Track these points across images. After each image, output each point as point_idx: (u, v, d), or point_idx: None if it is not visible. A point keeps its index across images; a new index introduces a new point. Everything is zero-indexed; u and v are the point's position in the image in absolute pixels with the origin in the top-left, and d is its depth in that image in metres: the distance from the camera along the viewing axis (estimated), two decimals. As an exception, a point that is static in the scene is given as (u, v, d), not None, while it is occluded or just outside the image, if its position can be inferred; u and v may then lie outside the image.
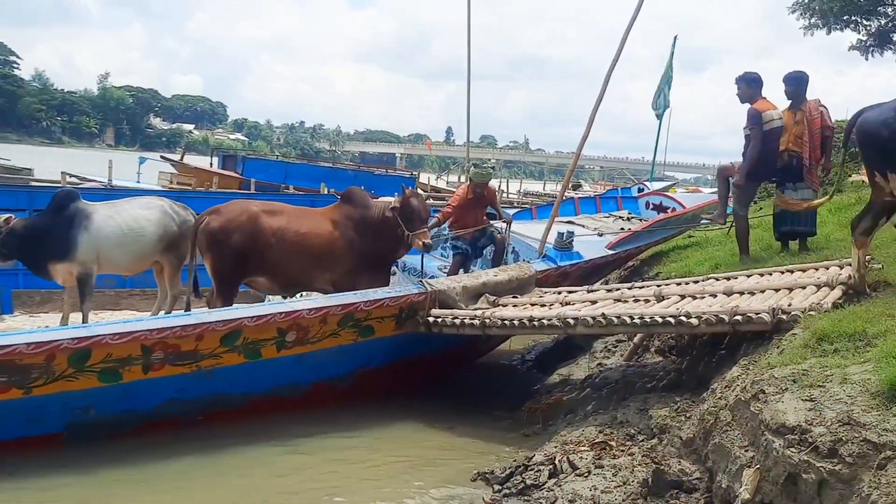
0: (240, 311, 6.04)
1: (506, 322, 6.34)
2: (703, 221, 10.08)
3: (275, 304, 6.44)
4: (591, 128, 8.20)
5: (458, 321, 6.49)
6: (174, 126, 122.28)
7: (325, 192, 17.23)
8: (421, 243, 7.38)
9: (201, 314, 5.96)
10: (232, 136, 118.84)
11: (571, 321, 5.97)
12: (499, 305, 6.84)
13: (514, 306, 6.86)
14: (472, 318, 6.44)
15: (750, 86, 7.47)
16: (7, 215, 7.30)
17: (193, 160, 28.73)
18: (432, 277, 7.53)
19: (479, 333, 6.53)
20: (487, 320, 6.37)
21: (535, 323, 6.20)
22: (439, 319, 6.57)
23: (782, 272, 6.35)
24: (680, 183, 40.01)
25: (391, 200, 7.66)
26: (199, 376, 5.86)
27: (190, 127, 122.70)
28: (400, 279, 8.68)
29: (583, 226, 9.23)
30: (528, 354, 9.24)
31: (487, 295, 6.93)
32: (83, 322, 7.41)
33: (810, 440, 3.26)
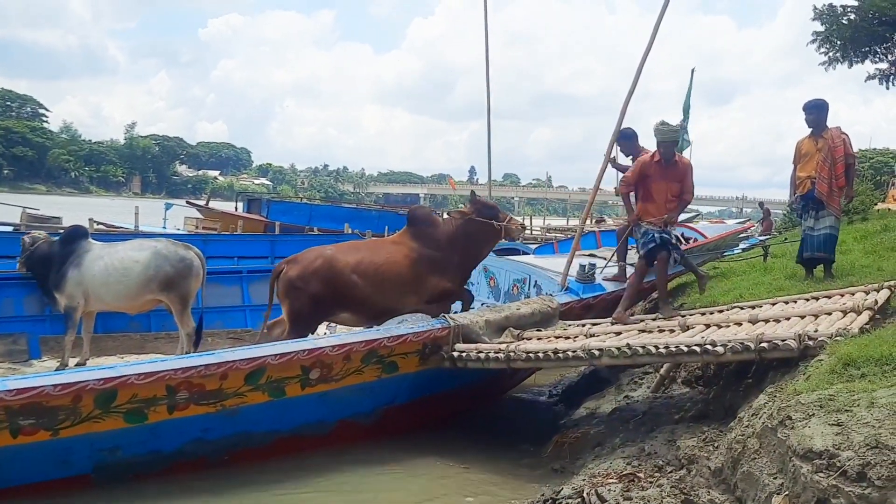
0: (263, 349, 6.06)
1: (530, 355, 6.31)
2: (735, 251, 10.08)
3: (298, 342, 6.46)
4: (608, 162, 8.24)
5: (482, 355, 6.46)
6: (199, 173, 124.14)
7: (349, 232, 17.36)
8: (515, 226, 7.65)
9: (225, 353, 5.99)
10: (256, 181, 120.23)
11: (596, 352, 5.94)
12: (523, 339, 6.82)
13: (538, 339, 6.83)
14: (497, 352, 6.41)
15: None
16: (39, 233, 7.75)
17: (218, 205, 29.07)
18: (454, 313, 7.53)
19: (504, 367, 6.49)
20: (512, 353, 6.34)
21: (560, 355, 6.16)
22: (463, 354, 6.55)
23: (807, 299, 6.32)
24: (703, 215, 39.84)
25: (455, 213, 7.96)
26: (224, 415, 5.87)
27: (215, 173, 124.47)
28: (423, 315, 8.69)
29: (604, 258, 9.20)
30: (555, 389, 9.18)
31: (511, 329, 6.91)
32: (62, 354, 7.88)
33: (838, 464, 3.21)
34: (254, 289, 10.26)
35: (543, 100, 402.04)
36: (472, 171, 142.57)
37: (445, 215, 8.12)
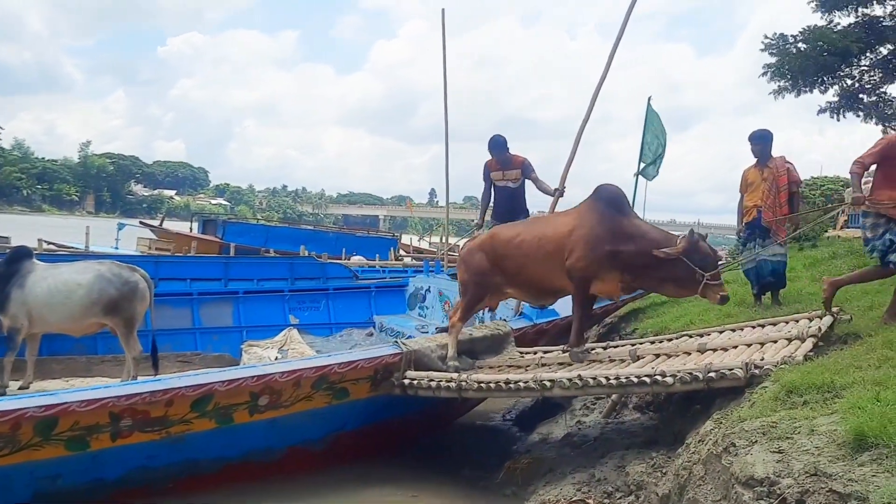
0: (211, 375, 5.98)
1: (482, 385, 6.28)
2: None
3: (247, 368, 6.37)
4: (565, 185, 8.35)
5: (433, 384, 6.42)
6: (155, 192, 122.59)
7: (305, 254, 17.24)
8: (718, 296, 5.87)
9: (171, 379, 5.89)
10: (214, 201, 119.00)
11: (548, 383, 5.92)
12: (475, 366, 6.81)
13: (490, 367, 6.83)
14: (448, 381, 6.37)
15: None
16: None
17: (174, 225, 28.68)
18: (408, 338, 7.50)
19: (455, 396, 6.47)
20: (464, 383, 6.30)
21: (512, 386, 6.12)
22: (415, 382, 6.50)
23: (754, 327, 6.40)
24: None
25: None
26: (170, 443, 5.77)
27: (171, 193, 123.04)
28: (377, 339, 8.67)
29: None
30: (508, 414, 9.18)
31: (464, 356, 6.89)
32: (1, 377, 7.69)
33: (778, 492, 3.24)
34: (204, 311, 10.13)
35: (505, 124, 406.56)
36: (433, 193, 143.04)
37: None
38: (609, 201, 6.24)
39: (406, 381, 6.53)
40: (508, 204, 8.46)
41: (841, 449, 3.24)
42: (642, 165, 10.66)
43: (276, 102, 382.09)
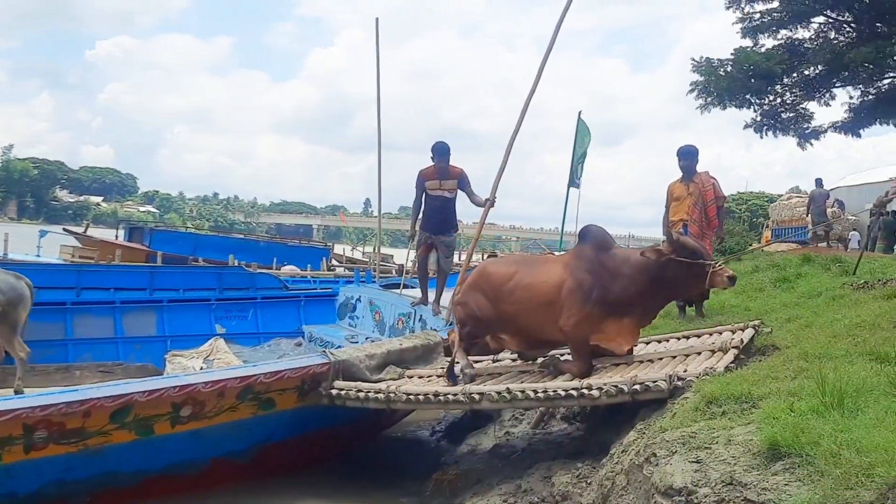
0: (131, 385, 5.81)
1: (410, 397, 6.24)
2: None
3: (169, 378, 6.21)
4: (496, 196, 8.37)
5: (361, 395, 6.35)
6: (81, 198, 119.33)
7: (234, 264, 16.96)
8: (725, 278, 5.76)
9: (89, 390, 5.71)
10: (142, 209, 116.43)
11: (476, 396, 5.92)
12: (405, 377, 6.77)
13: (420, 378, 6.80)
14: (377, 392, 6.31)
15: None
16: None
17: (99, 233, 27.97)
18: (337, 347, 7.43)
19: (384, 407, 6.43)
20: (392, 394, 6.25)
21: (441, 398, 6.11)
22: (342, 392, 6.43)
23: (679, 338, 6.53)
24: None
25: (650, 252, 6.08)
26: (87, 455, 5.58)
27: (98, 199, 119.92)
28: (305, 349, 8.58)
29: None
30: (438, 425, 9.15)
31: (393, 366, 6.86)
32: None
33: (695, 501, 3.29)
34: (127, 320, 9.87)
35: (442, 134, 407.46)
36: (367, 203, 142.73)
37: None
38: (595, 244, 6.13)
39: (334, 392, 6.46)
40: (441, 214, 8.47)
41: (756, 458, 3.32)
42: (578, 181, 10.84)
43: (210, 109, 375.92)
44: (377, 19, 10.35)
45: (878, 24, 16.20)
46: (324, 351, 6.78)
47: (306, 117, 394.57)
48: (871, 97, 17.69)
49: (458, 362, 6.42)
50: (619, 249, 6.24)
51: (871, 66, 15.72)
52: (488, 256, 29.51)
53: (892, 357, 4.33)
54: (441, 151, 8.43)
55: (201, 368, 7.41)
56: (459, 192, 8.56)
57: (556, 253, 13.54)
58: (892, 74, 16.96)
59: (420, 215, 8.70)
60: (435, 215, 8.51)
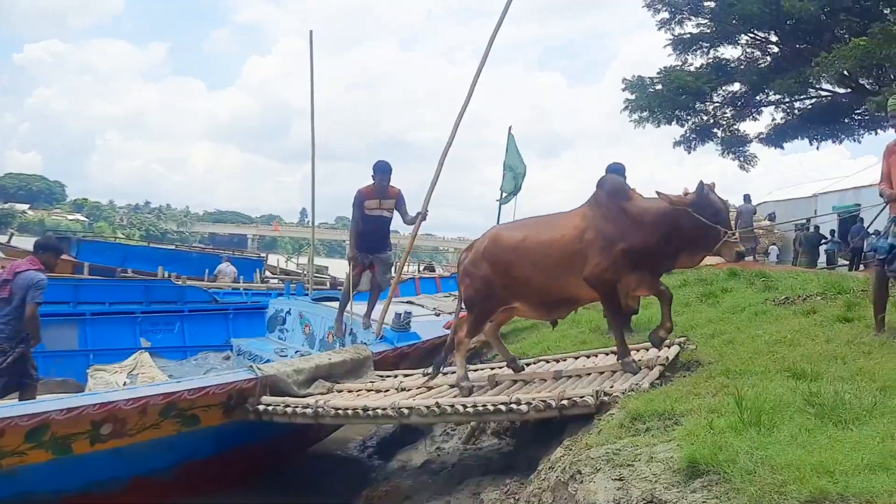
0: (48, 403, 5.61)
1: (339, 411, 6.17)
2: None
3: (88, 396, 6.02)
4: (428, 208, 8.39)
5: (289, 410, 6.26)
6: (6, 206, 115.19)
7: (163, 276, 16.58)
8: (734, 252, 5.37)
9: (3, 408, 5.49)
10: (70, 217, 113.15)
11: (405, 411, 5.89)
12: (334, 391, 6.70)
13: (349, 392, 6.73)
14: (305, 408, 6.23)
15: None
16: None
17: (24, 242, 27.02)
18: (266, 362, 7.31)
19: (312, 423, 6.34)
20: (320, 409, 6.18)
21: (370, 412, 6.05)
22: (269, 408, 6.33)
23: (607, 354, 6.59)
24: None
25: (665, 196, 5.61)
26: (1, 476, 5.38)
27: (24, 207, 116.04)
28: (234, 363, 8.43)
29: (422, 306, 9.28)
30: (369, 440, 9.07)
31: (322, 381, 6.77)
32: None
33: (618, 519, 3.32)
34: (48, 334, 9.49)
35: (381, 144, 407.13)
36: (304, 213, 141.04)
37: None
38: (612, 192, 5.75)
39: (261, 408, 6.35)
40: (379, 234, 8.43)
41: (676, 475, 3.35)
42: (504, 194, 10.91)
43: (143, 115, 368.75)
44: (311, 32, 10.27)
45: (799, 45, 16.81)
46: (251, 366, 6.67)
47: (242, 125, 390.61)
48: (794, 115, 18.36)
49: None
50: (639, 198, 5.77)
51: (792, 87, 16.29)
52: (425, 268, 29.59)
53: (808, 374, 4.45)
54: (383, 170, 8.37)
55: (125, 383, 7.20)
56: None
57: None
58: (814, 95, 17.61)
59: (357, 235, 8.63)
60: (372, 235, 8.45)
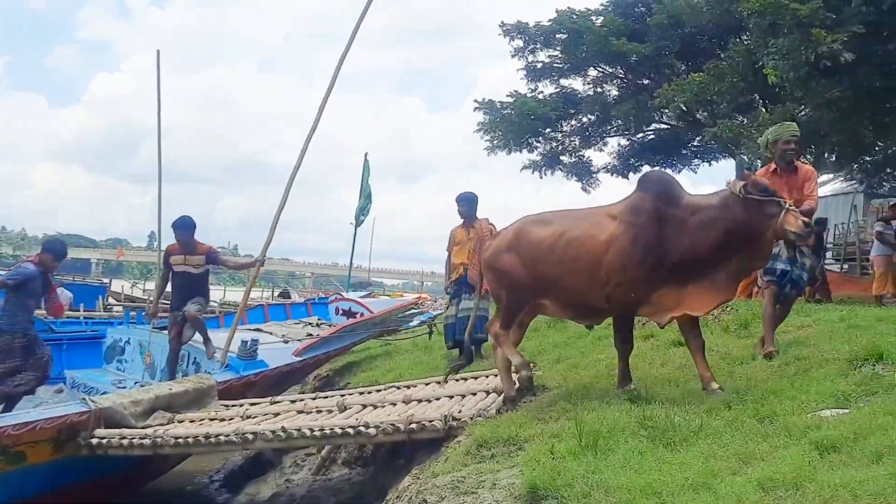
0: None
1: (180, 440, 5.91)
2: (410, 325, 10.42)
3: None
4: (266, 256, 8.45)
5: (125, 441, 5.94)
6: None
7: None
8: (790, 231, 4.62)
9: None
10: None
11: (250, 436, 5.72)
12: (174, 422, 6.40)
13: (191, 422, 6.46)
14: (143, 438, 5.93)
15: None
16: None
17: None
18: (102, 394, 6.92)
19: (151, 454, 6.03)
20: (159, 439, 5.89)
21: (213, 440, 5.83)
22: (104, 441, 5.97)
23: (458, 379, 6.65)
24: (386, 289, 41.35)
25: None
26: None
27: None
28: (67, 396, 7.92)
29: (270, 333, 9.08)
30: (217, 473, 8.75)
31: (162, 411, 6.46)
32: None
33: (461, 548, 3.32)
34: None
35: (239, 166, 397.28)
36: (152, 236, 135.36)
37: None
38: (658, 195, 4.97)
39: (94, 441, 5.99)
40: (187, 290, 8.21)
41: (517, 502, 3.39)
42: (362, 218, 10.93)
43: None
44: (158, 51, 9.97)
45: (641, 81, 17.79)
46: (83, 398, 6.28)
47: (89, 144, 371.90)
48: (637, 145, 19.35)
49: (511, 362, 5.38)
50: (690, 198, 5.01)
51: (633, 119, 17.20)
52: (279, 294, 28.97)
53: (643, 397, 4.64)
54: (183, 225, 8.25)
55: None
56: (213, 266, 8.44)
57: (346, 292, 13.50)
58: (654, 126, 18.67)
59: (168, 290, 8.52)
60: (181, 290, 8.23)
